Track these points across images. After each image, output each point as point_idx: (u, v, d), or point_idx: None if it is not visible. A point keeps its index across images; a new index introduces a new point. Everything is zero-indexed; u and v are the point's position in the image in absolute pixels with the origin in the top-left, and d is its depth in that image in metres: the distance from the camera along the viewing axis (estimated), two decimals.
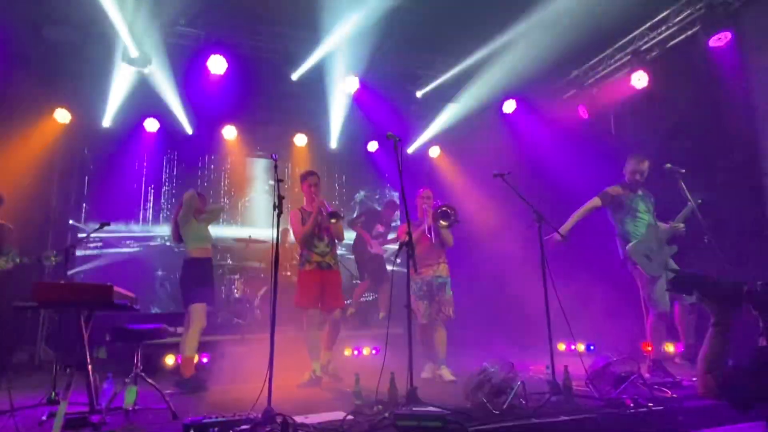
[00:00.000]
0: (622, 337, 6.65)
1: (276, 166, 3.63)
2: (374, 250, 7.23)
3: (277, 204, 3.32)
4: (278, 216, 3.33)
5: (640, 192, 4.85)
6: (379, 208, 8.40)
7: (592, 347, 6.94)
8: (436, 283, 4.98)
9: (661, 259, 4.63)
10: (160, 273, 8.19)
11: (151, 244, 8.46)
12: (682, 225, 4.72)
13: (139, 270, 7.98)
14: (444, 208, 4.90)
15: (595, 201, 4.80)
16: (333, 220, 4.86)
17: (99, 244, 7.81)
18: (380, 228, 7.40)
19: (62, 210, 7.32)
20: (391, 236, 7.66)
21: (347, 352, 6.51)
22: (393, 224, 7.96)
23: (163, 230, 8.45)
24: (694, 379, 4.04)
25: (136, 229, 8.40)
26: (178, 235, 4.91)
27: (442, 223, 4.87)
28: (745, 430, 2.74)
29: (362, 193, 9.76)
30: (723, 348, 1.76)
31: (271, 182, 9.11)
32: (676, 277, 1.89)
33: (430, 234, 4.90)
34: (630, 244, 4.69)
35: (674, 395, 3.68)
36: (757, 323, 1.77)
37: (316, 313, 4.83)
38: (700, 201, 4.62)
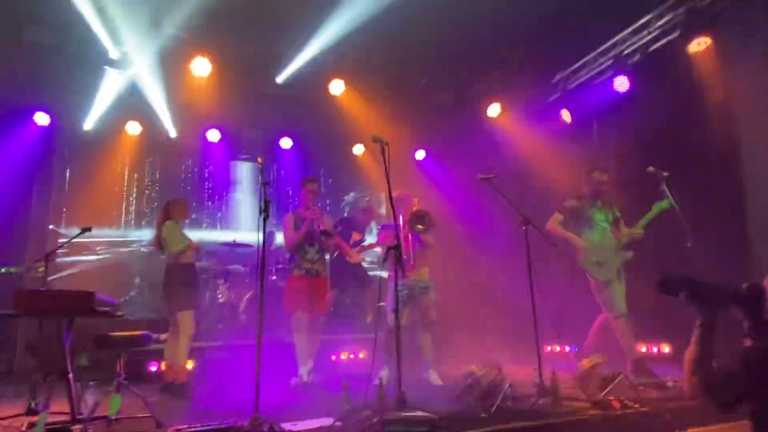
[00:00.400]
0: (606, 338, 6.70)
1: (262, 170, 3.61)
2: (353, 260, 7.09)
3: (263, 208, 3.28)
4: (264, 220, 3.29)
5: (598, 203, 4.97)
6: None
7: (576, 348, 7.00)
8: (418, 288, 4.97)
9: (612, 264, 4.79)
10: (137, 279, 8.02)
11: (129, 249, 8.32)
12: (640, 231, 4.78)
13: (116, 276, 7.85)
14: (417, 213, 4.93)
15: (558, 216, 4.93)
16: (323, 237, 4.93)
17: (66, 250, 7.50)
18: (356, 236, 7.25)
19: (42, 215, 7.16)
20: (367, 243, 7.50)
21: (334, 357, 6.48)
22: (370, 231, 7.81)
23: (144, 235, 8.33)
24: (675, 380, 4.12)
25: (116, 235, 8.27)
26: (159, 242, 4.84)
27: (419, 227, 4.90)
28: (730, 430, 2.78)
29: (352, 194, 9.69)
30: (709, 349, 1.77)
31: (256, 185, 9.11)
32: (662, 278, 1.91)
33: (408, 241, 4.92)
34: (582, 255, 4.84)
35: (660, 396, 3.74)
36: (741, 324, 1.80)
37: (304, 316, 4.81)
38: (667, 184, 4.62)
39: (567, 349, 7.12)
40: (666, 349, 5.97)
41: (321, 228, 4.92)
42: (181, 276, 4.71)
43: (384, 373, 4.88)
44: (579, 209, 4.92)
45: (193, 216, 8.72)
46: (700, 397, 1.76)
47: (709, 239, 5.23)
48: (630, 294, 6.09)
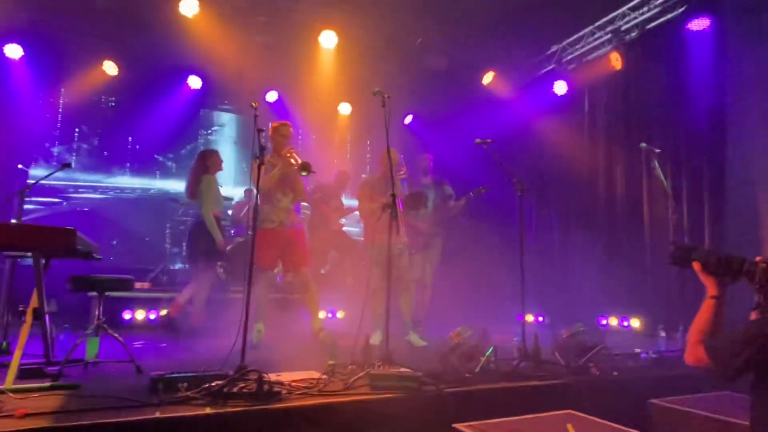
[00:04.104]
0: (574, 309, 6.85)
1: (256, 115, 3.44)
2: (334, 227, 6.89)
3: (258, 154, 3.15)
4: (259, 167, 3.17)
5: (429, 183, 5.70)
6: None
7: (540, 318, 7.19)
8: (396, 250, 4.83)
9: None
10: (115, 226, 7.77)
11: (110, 195, 8.06)
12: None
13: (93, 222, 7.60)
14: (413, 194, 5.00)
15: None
16: (304, 173, 4.37)
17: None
18: (335, 202, 7.05)
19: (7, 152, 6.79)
20: (347, 205, 7.33)
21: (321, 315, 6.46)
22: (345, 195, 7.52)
23: (130, 182, 8.09)
24: (650, 352, 4.23)
25: (98, 179, 8.02)
26: (193, 193, 5.16)
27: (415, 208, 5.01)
28: (707, 399, 2.87)
29: (368, 142, 9.39)
30: (718, 321, 1.79)
31: (238, 136, 8.81)
32: (675, 249, 1.92)
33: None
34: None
35: (635, 365, 3.86)
36: (750, 297, 1.80)
37: (273, 275, 4.67)
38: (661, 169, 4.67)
39: (530, 318, 7.29)
40: (636, 323, 6.16)
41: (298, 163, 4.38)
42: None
43: (375, 335, 4.54)
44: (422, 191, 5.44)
45: (169, 164, 8.52)
46: (702, 367, 1.77)
47: (690, 219, 5.36)
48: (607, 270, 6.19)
